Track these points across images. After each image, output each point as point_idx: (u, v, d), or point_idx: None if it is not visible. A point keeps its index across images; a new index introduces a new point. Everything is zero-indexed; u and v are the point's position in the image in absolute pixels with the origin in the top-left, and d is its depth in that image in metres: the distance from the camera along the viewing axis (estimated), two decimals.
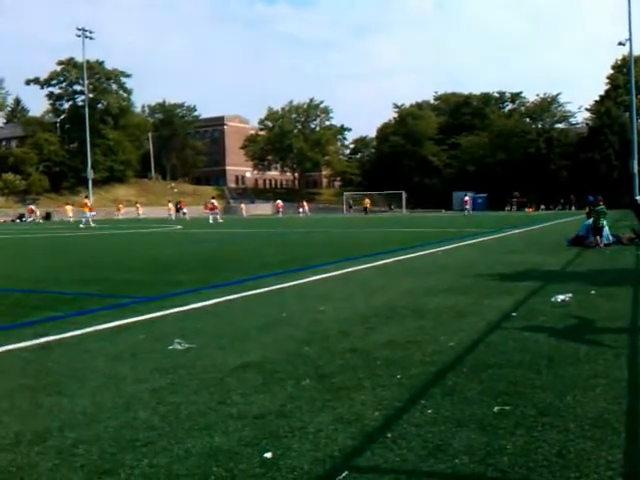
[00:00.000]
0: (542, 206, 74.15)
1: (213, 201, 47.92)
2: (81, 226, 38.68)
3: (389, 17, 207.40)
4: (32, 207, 62.32)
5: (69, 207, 56.74)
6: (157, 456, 2.87)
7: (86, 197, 48.39)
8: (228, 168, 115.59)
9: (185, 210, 56.71)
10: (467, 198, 61.82)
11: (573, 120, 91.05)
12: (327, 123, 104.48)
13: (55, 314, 6.60)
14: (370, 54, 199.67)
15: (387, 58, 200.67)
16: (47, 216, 64.05)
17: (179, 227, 35.28)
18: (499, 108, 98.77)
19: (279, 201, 71.15)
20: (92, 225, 39.65)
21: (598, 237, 14.32)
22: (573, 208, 65.09)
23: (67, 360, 4.66)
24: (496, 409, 3.40)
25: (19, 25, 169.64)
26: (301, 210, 65.28)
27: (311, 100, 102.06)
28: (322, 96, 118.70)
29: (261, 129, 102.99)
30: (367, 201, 69.53)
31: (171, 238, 24.76)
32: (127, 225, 40.17)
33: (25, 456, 2.90)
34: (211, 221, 42.77)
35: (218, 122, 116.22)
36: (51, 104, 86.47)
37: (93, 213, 44.20)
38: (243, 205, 74.44)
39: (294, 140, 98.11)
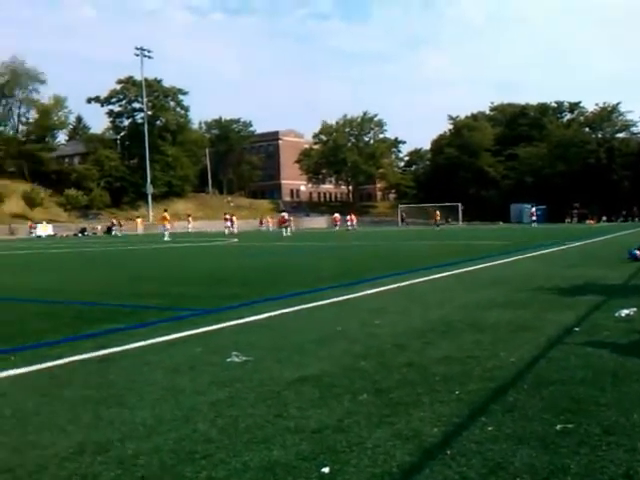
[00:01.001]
0: (604, 218, 72.29)
1: (284, 215, 49.24)
2: (166, 239, 39.49)
3: (442, 29, 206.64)
4: (113, 221, 65.18)
5: (139, 220, 60.09)
6: (216, 469, 2.89)
7: (165, 211, 47.73)
8: (283, 182, 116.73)
9: (228, 224, 55.25)
10: (533, 210, 60.95)
11: (635, 129, 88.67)
12: (381, 136, 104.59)
13: (116, 326, 6.74)
14: (424, 66, 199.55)
15: (441, 69, 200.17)
16: (108, 230, 65.75)
17: (235, 240, 35.69)
18: (557, 118, 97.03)
19: (337, 214, 70.73)
20: (167, 239, 39.84)
21: None
22: (637, 219, 63.29)
23: (127, 372, 4.74)
24: (559, 427, 3.31)
25: (80, 45, 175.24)
26: (349, 224, 65.07)
27: (365, 113, 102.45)
28: (376, 109, 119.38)
29: (315, 143, 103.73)
30: (437, 213, 68.75)
31: (228, 251, 25.07)
32: (185, 239, 40.84)
33: (88, 465, 2.95)
34: (288, 233, 44.06)
35: (273, 137, 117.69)
36: (111, 121, 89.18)
37: (167, 226, 44.30)
38: (291, 218, 73.37)
39: (348, 153, 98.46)
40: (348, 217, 67.62)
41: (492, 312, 7.17)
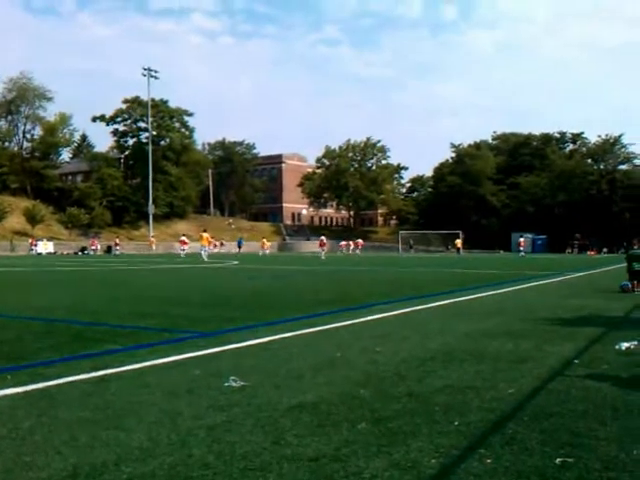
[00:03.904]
0: (605, 249, 72.25)
1: (323, 238, 52.59)
2: (204, 259, 39.20)
3: (450, 57, 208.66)
4: (116, 240, 64.79)
5: (153, 239, 61.75)
6: None
7: (204, 231, 46.31)
8: (285, 205, 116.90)
9: (184, 247, 50.92)
10: (522, 240, 61.50)
11: (637, 161, 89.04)
12: (384, 162, 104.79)
13: (114, 347, 6.72)
14: (429, 93, 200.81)
15: (446, 97, 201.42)
16: (108, 250, 65.70)
17: (235, 262, 35.67)
18: (560, 148, 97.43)
19: (360, 240, 71.54)
20: (205, 259, 39.07)
21: (636, 282, 14.21)
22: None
23: (125, 394, 4.71)
24: (558, 461, 3.28)
25: (89, 63, 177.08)
26: (343, 249, 65.73)
27: (368, 139, 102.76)
28: (380, 135, 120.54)
29: (318, 167, 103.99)
30: (458, 241, 69.01)
31: (227, 274, 25.04)
32: (185, 260, 40.80)
33: None
34: (323, 257, 45.62)
35: (276, 160, 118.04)
36: (116, 140, 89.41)
37: (206, 247, 43.29)
38: (265, 241, 66.07)
39: (350, 179, 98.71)
40: (342, 243, 68.24)
41: (492, 342, 7.14)
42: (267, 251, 60.13)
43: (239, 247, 65.45)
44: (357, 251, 66.10)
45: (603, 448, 3.48)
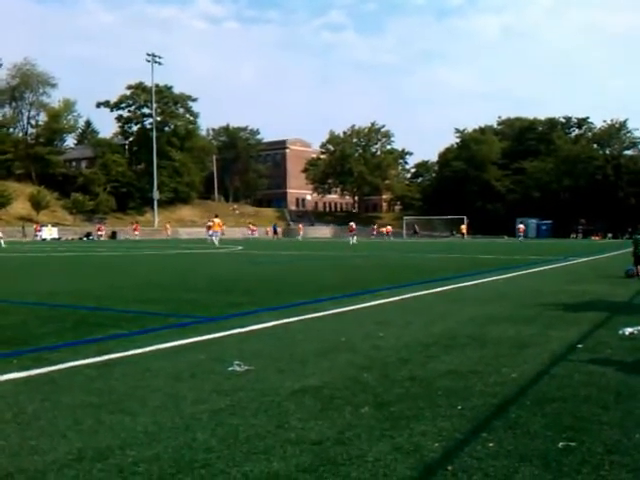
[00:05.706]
0: (609, 234, 72.04)
1: (352, 224, 52.95)
2: (210, 242, 39.82)
3: (455, 44, 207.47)
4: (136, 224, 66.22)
5: (168, 225, 64.63)
6: (215, 479, 2.87)
7: (216, 216, 45.44)
8: (289, 191, 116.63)
9: (212, 232, 47.30)
10: (521, 226, 61.66)
11: None
12: (388, 147, 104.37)
13: (118, 332, 6.74)
14: (435, 79, 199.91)
15: (451, 83, 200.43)
16: (113, 235, 65.81)
17: (240, 248, 35.68)
18: (565, 133, 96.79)
19: (389, 227, 73.12)
20: (216, 244, 39.19)
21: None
22: None
23: (129, 378, 4.73)
24: (561, 445, 3.29)
25: (92, 50, 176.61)
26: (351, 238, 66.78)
27: (372, 124, 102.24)
28: (385, 120, 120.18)
29: (322, 153, 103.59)
30: (463, 227, 69.37)
31: (232, 259, 25.07)
32: (191, 245, 40.83)
33: (87, 473, 2.94)
34: (352, 242, 46.57)
35: (280, 145, 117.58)
36: (120, 126, 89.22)
37: (218, 232, 42.77)
38: (301, 226, 76.89)
39: (354, 164, 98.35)
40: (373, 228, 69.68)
41: (496, 327, 7.14)
42: (300, 236, 66.87)
43: (275, 232, 71.64)
44: (390, 237, 67.39)
45: (606, 432, 3.49)
